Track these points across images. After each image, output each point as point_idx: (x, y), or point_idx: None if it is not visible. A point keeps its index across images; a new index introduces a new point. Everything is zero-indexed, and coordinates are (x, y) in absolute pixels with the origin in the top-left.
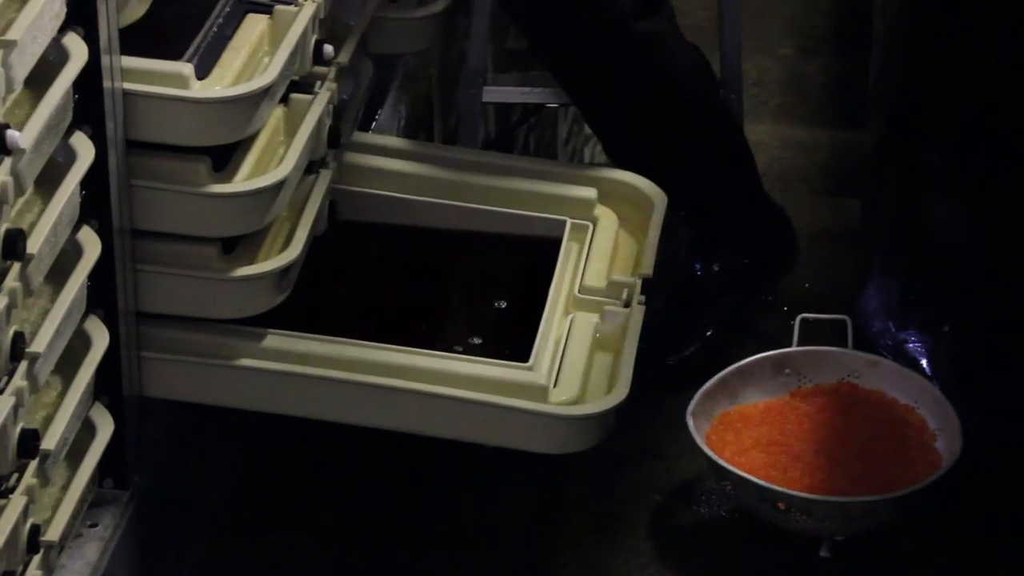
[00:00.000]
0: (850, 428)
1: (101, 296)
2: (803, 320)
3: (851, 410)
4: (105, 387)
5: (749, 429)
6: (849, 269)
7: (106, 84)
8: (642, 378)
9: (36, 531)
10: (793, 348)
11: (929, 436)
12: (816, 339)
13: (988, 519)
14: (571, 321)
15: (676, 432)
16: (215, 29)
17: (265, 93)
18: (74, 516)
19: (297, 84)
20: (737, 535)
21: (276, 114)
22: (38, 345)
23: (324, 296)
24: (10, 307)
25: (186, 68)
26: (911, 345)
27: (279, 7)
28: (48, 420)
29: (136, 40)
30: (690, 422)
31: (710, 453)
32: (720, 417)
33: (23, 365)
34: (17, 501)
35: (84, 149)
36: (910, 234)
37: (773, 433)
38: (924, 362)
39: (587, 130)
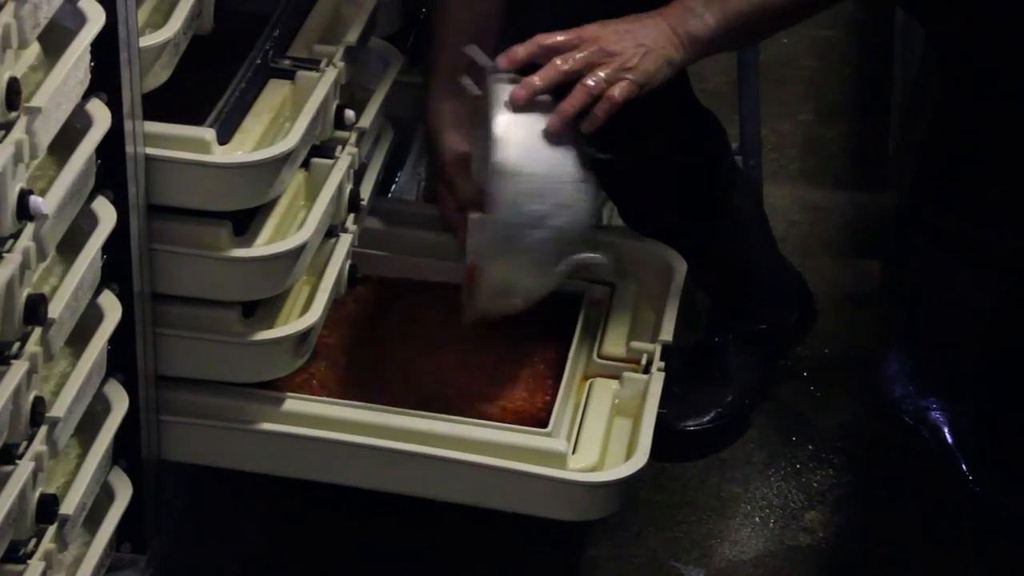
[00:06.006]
0: None
1: (121, 360)
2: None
3: None
4: (124, 451)
5: None
6: (869, 332)
7: (128, 149)
8: (661, 445)
9: None
10: None
11: None
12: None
13: None
14: (590, 387)
15: (695, 498)
16: (237, 94)
17: (286, 158)
18: None
19: (318, 149)
20: None
21: (297, 179)
22: (58, 410)
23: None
24: (31, 372)
25: (208, 133)
26: (933, 413)
27: (301, 73)
28: (67, 485)
29: (159, 105)
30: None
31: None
32: None
33: (43, 430)
34: (35, 567)
35: (106, 214)
36: (935, 301)
37: None
38: (946, 430)
39: (603, 194)
